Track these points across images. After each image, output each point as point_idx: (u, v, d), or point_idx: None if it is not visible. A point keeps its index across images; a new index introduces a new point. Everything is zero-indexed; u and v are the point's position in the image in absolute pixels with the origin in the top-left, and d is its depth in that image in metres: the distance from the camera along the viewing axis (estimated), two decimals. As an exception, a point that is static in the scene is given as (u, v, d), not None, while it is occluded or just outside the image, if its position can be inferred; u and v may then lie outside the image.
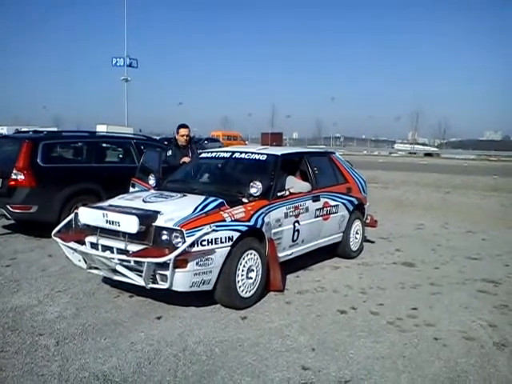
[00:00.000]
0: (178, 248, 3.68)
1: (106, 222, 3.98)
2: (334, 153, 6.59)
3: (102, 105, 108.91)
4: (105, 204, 4.48)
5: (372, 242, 6.97)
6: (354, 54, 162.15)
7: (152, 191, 4.94)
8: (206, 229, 3.83)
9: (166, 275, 3.73)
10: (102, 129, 23.65)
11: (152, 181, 5.17)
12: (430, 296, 4.69)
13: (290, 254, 4.97)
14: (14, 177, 6.38)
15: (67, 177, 6.74)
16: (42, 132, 7.39)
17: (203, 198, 4.33)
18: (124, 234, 3.93)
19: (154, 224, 3.88)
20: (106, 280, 4.64)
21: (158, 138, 20.25)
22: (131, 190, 5.81)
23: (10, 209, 6.35)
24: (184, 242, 3.71)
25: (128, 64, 39.42)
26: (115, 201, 4.57)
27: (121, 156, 8.25)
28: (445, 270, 5.68)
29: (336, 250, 5.98)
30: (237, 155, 5.31)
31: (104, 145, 8.01)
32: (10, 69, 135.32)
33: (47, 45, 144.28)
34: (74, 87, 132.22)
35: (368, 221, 6.48)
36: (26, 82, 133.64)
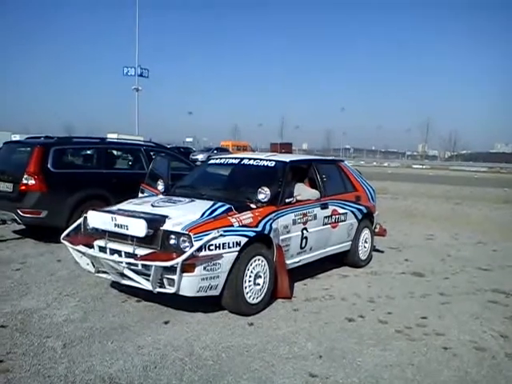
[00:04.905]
0: (185, 252, 3.68)
1: (115, 225, 4.00)
2: (343, 161, 6.58)
3: (113, 114, 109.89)
4: (113, 208, 4.51)
5: (381, 252, 6.92)
6: (363, 63, 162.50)
7: (160, 196, 4.97)
8: (214, 233, 3.83)
9: (173, 279, 3.73)
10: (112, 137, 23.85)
11: (161, 186, 5.19)
12: (439, 305, 4.63)
13: (298, 262, 4.95)
14: (24, 181, 6.44)
15: (77, 182, 6.78)
16: (52, 138, 7.45)
17: (211, 203, 4.34)
18: (132, 237, 3.94)
19: (162, 228, 3.89)
20: (114, 285, 4.65)
21: (168, 146, 20.35)
22: (140, 195, 5.83)
23: (21, 213, 6.40)
24: (192, 246, 3.71)
25: (139, 74, 39.91)
26: (124, 205, 4.60)
27: (130, 162, 8.30)
28: (455, 280, 5.62)
29: (344, 259, 5.95)
30: (245, 161, 5.32)
31: (114, 151, 8.07)
32: (21, 78, 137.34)
33: (58, 54, 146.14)
34: (84, 96, 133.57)
35: (377, 229, 6.44)
36: (37, 91, 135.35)
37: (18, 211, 6.40)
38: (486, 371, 3.27)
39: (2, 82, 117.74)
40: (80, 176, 7.00)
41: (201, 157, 32.17)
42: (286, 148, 45.91)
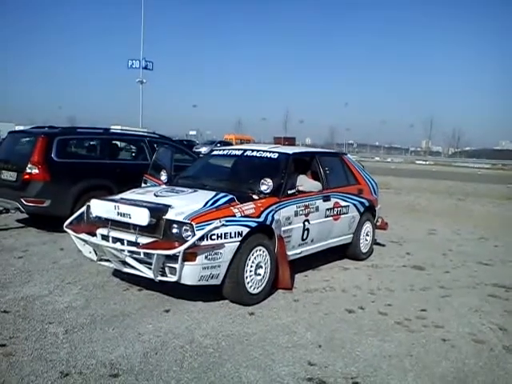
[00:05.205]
0: (187, 241, 3.70)
1: (118, 214, 4.02)
2: (346, 154, 6.59)
3: (117, 106, 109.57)
4: (116, 197, 4.53)
5: (382, 246, 6.93)
6: (367, 59, 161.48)
7: (163, 186, 4.99)
8: (216, 223, 3.85)
9: (174, 268, 3.75)
10: (116, 129, 23.83)
11: (164, 177, 5.22)
12: (439, 299, 4.65)
13: (299, 253, 4.97)
14: (28, 171, 6.47)
15: (80, 172, 6.81)
16: (56, 128, 7.47)
17: (214, 193, 4.36)
18: (135, 226, 3.97)
19: (164, 217, 3.91)
20: (116, 273, 4.68)
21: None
22: (143, 185, 5.85)
23: (24, 202, 6.43)
24: (194, 235, 3.74)
25: (144, 66, 39.70)
26: (127, 194, 4.63)
27: (134, 153, 8.32)
28: (455, 274, 5.63)
29: (346, 252, 5.97)
30: (248, 153, 5.34)
31: (118, 142, 8.09)
32: (25, 71, 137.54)
33: (62, 46, 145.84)
34: (88, 88, 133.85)
35: (379, 223, 6.45)
36: (42, 84, 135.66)
37: (22, 200, 6.44)
38: (484, 363, 3.30)
39: (7, 75, 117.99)
40: (83, 166, 7.03)
41: (204, 150, 32.07)
42: (289, 142, 45.82)
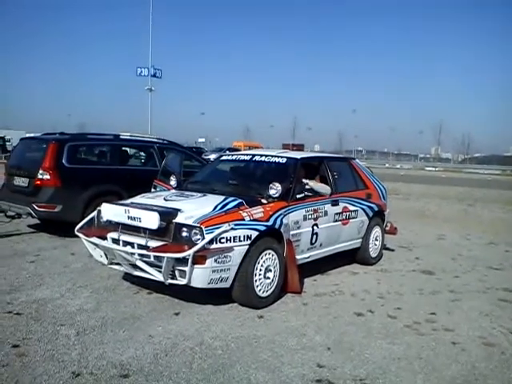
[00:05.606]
0: (197, 244, 3.74)
1: (128, 218, 4.07)
2: (354, 158, 6.60)
3: (124, 113, 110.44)
4: (127, 201, 4.59)
5: (392, 251, 6.92)
6: (375, 65, 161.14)
7: (173, 191, 5.04)
8: (225, 227, 3.88)
9: (184, 271, 3.79)
10: (125, 136, 23.99)
11: (173, 182, 5.27)
12: (449, 302, 4.64)
13: (308, 257, 4.98)
14: (40, 176, 6.56)
15: (91, 178, 6.89)
16: (67, 134, 7.57)
17: (223, 197, 4.39)
18: (145, 230, 4.02)
19: (174, 221, 3.95)
20: (126, 277, 4.73)
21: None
22: (153, 191, 5.90)
23: (36, 207, 6.51)
24: (203, 238, 3.77)
25: (152, 74, 40.10)
26: (137, 199, 4.69)
27: (143, 159, 8.40)
28: (465, 278, 5.60)
29: (355, 256, 5.97)
30: (257, 158, 5.38)
31: (128, 148, 8.17)
32: (33, 78, 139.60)
33: (70, 54, 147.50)
34: (95, 95, 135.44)
35: (388, 228, 6.44)
36: (46, 89, 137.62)
37: (33, 205, 6.52)
38: (495, 366, 3.28)
39: (14, 81, 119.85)
40: (94, 172, 7.11)
41: (213, 157, 32.29)
42: (298, 149, 45.87)
